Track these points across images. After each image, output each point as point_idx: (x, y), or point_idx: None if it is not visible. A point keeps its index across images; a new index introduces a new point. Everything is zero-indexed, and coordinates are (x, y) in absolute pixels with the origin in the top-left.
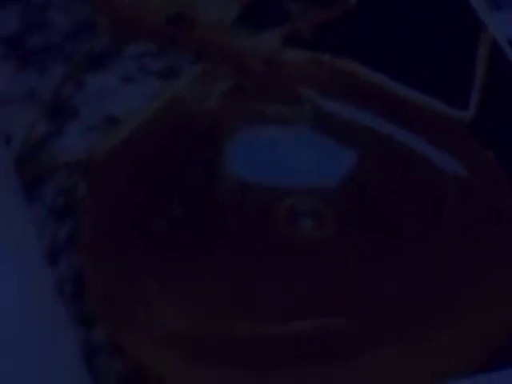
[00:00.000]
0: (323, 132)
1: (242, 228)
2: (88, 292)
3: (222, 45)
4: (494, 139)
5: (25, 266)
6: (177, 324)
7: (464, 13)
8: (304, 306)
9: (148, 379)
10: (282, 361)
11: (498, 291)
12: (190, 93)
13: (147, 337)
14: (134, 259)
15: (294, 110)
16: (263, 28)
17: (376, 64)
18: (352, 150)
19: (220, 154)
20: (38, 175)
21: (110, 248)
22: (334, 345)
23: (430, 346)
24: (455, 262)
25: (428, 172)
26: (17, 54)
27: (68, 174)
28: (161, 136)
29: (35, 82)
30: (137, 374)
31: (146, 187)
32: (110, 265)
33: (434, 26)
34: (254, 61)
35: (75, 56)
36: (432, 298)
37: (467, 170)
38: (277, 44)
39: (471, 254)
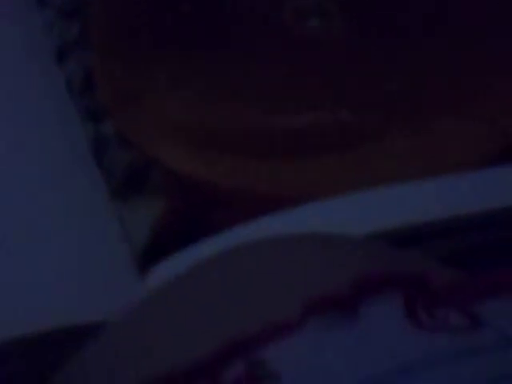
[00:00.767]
0: None
1: (250, 26)
2: (97, 86)
3: None
4: None
5: (36, 66)
6: (186, 115)
7: None
8: (312, 98)
9: (158, 169)
10: (293, 151)
11: (505, 80)
12: None
13: (156, 128)
14: (143, 52)
15: None
16: None
17: None
18: None
19: None
20: None
21: (119, 42)
22: (341, 136)
23: (438, 133)
24: (460, 54)
25: None
26: None
27: None
28: None
29: None
30: (147, 164)
31: None
32: (119, 58)
33: None
34: None
35: None
36: (438, 88)
37: None
38: None
39: (476, 47)
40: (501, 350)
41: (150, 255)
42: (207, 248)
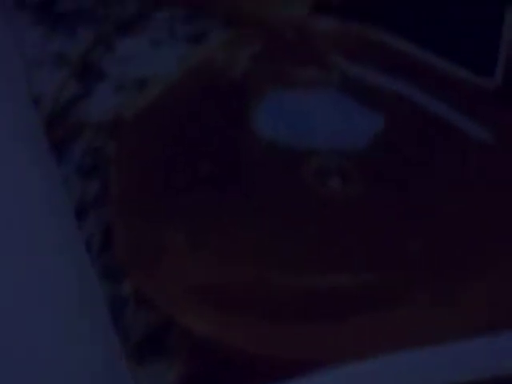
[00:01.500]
0: (350, 95)
1: (270, 185)
2: (115, 246)
3: (251, 10)
4: None
5: (56, 224)
6: (203, 275)
7: None
8: (335, 259)
9: (175, 330)
10: (313, 314)
11: None
12: (218, 56)
13: (174, 288)
14: (161, 213)
15: (322, 74)
16: None
17: (404, 33)
18: (378, 113)
19: (248, 114)
20: (66, 135)
21: (137, 202)
22: (365, 298)
23: (462, 298)
24: (480, 220)
25: (453, 136)
26: (46, 19)
27: (96, 134)
28: (189, 97)
29: (64, 46)
30: (163, 325)
31: (174, 145)
32: (137, 218)
33: None
34: (283, 27)
35: (104, 20)
36: (461, 252)
37: (492, 135)
38: (307, 11)
39: (504, 209)
40: None
41: None
42: None
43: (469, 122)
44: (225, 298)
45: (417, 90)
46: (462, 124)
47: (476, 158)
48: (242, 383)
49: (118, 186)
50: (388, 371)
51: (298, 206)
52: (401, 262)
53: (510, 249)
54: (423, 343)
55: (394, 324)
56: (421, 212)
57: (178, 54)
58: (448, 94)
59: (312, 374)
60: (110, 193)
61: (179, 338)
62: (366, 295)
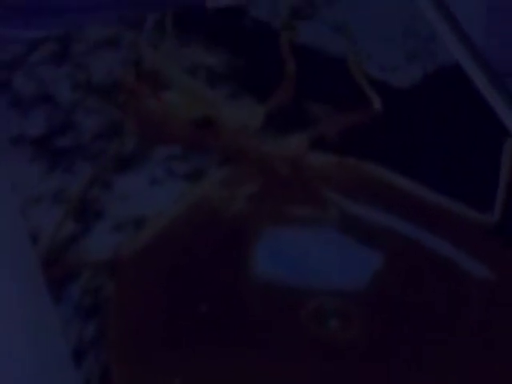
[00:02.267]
0: (349, 234)
1: (269, 327)
2: None
3: (248, 148)
4: None
5: (52, 366)
6: None
7: (489, 119)
8: None
9: None
10: None
11: None
12: (216, 195)
13: None
14: (160, 355)
15: (320, 212)
16: (289, 132)
17: (400, 168)
18: (377, 251)
19: (247, 254)
20: (64, 275)
21: (136, 342)
22: None
23: None
24: (478, 364)
25: (453, 275)
26: (45, 155)
27: (95, 274)
28: (187, 237)
29: (63, 183)
30: None
31: (173, 286)
32: (136, 361)
33: (459, 131)
34: (279, 164)
35: (103, 158)
36: None
37: (493, 272)
38: (302, 148)
39: (492, 357)
40: None
41: None
42: None
43: (468, 258)
44: None
45: (415, 226)
46: (461, 261)
47: (475, 296)
48: None
49: (116, 327)
50: None
51: (295, 349)
52: None
53: None
54: None
55: None
56: (419, 358)
57: (176, 192)
58: (447, 230)
59: None
60: (109, 336)
61: None
62: None
